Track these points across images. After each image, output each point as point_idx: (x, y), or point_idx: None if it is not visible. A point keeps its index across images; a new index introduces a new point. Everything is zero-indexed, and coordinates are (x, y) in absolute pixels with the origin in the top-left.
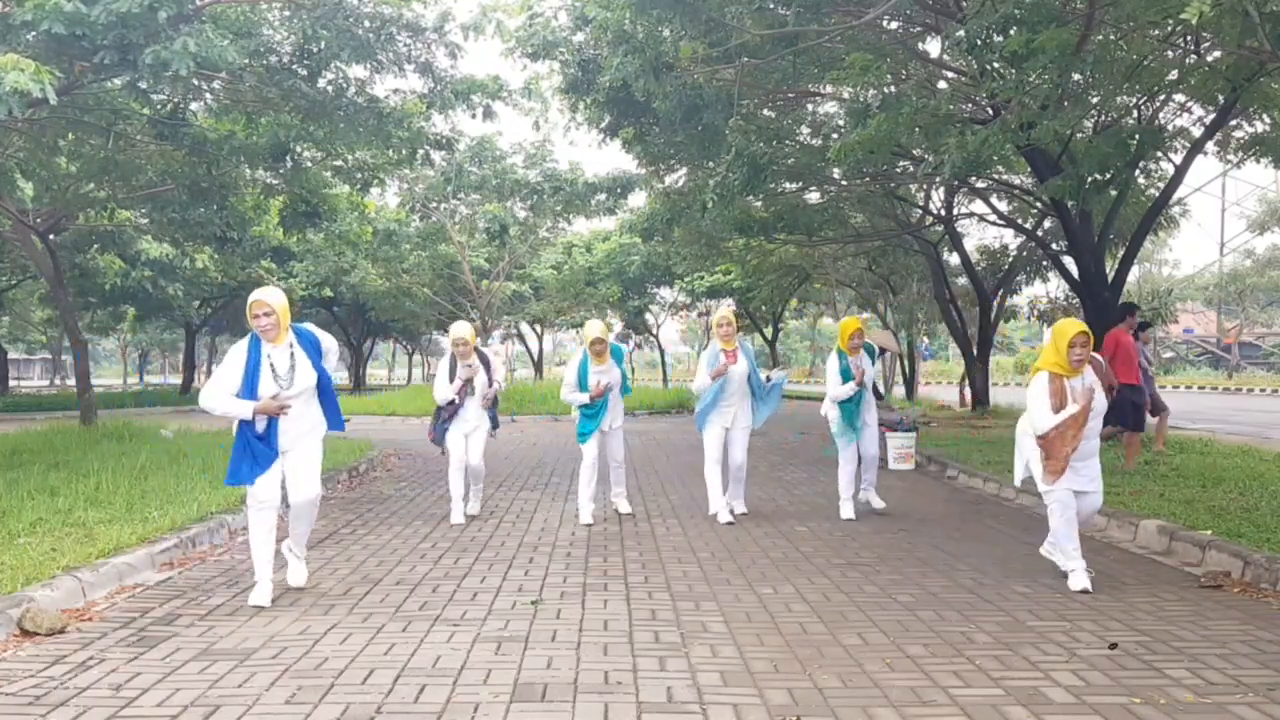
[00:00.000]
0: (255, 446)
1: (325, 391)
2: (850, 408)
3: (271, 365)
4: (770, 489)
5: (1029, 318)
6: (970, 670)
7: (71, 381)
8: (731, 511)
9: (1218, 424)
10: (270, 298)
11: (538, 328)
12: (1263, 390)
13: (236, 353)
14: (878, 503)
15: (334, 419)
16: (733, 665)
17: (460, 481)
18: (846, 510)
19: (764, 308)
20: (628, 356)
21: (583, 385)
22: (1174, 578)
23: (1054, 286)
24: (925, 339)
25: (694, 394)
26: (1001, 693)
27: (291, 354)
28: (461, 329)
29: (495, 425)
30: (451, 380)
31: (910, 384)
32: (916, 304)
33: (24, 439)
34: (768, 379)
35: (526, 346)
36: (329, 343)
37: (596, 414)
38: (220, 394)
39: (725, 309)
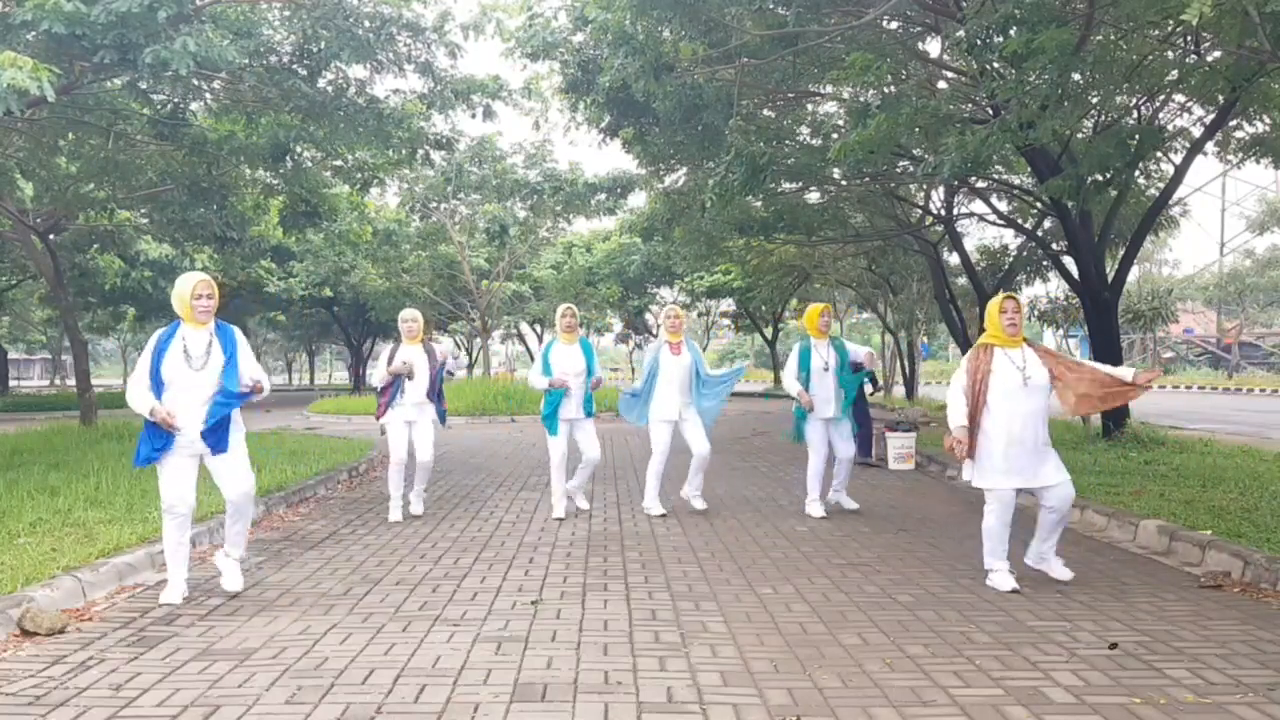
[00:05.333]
0: (154, 432)
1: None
2: (800, 412)
3: (185, 346)
4: (770, 489)
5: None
6: (970, 670)
7: (71, 381)
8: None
9: (1218, 424)
10: (213, 281)
11: (538, 328)
12: (1263, 390)
13: (150, 340)
14: (849, 504)
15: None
16: (733, 665)
17: (398, 478)
18: (813, 509)
19: (764, 308)
20: (627, 356)
21: (546, 370)
22: (1174, 578)
23: (1054, 286)
24: (924, 339)
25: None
26: (1001, 693)
27: (210, 341)
28: (413, 311)
29: (443, 419)
30: (389, 364)
31: (910, 384)
32: (916, 304)
33: (24, 439)
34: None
35: (526, 346)
36: (247, 350)
37: (556, 401)
38: (136, 388)
39: (675, 305)
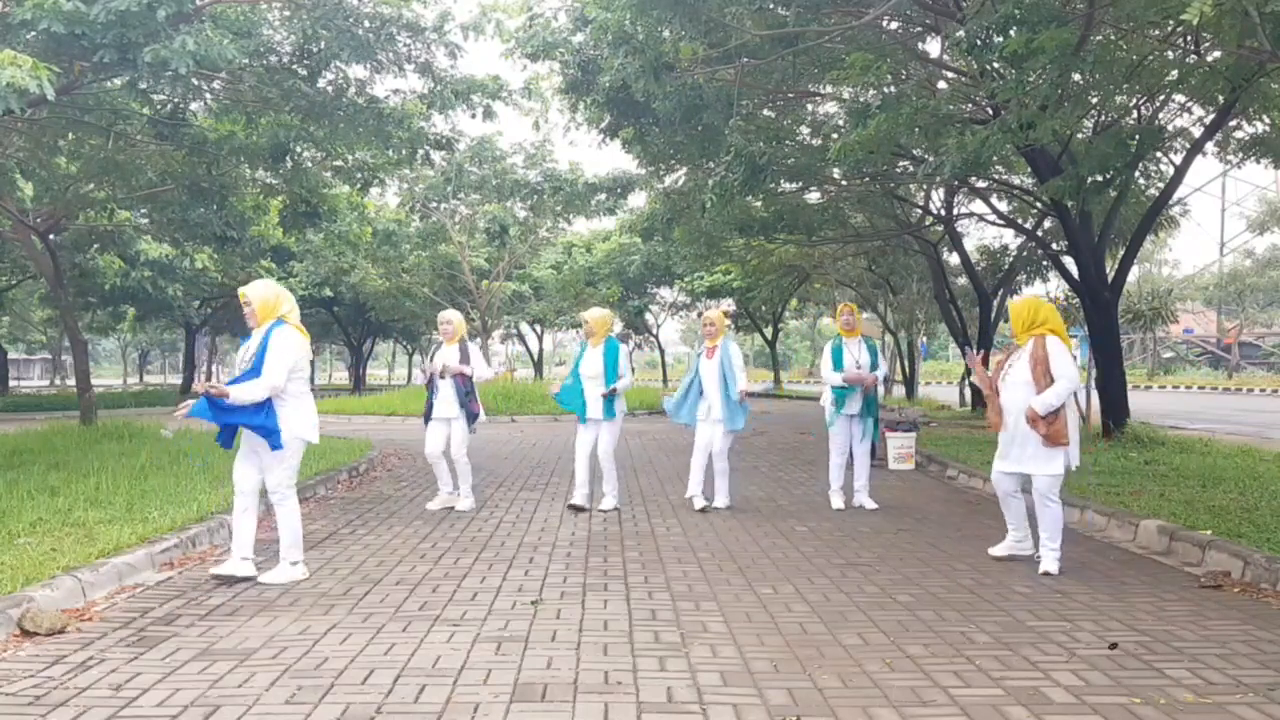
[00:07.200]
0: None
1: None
2: (840, 394)
3: (245, 346)
4: (770, 489)
5: None
6: (970, 670)
7: (71, 381)
8: (708, 500)
9: (1218, 424)
10: (248, 290)
11: (538, 328)
12: (1263, 390)
13: None
14: (869, 504)
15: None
16: (733, 665)
17: (436, 470)
18: (836, 501)
19: (764, 308)
20: (628, 355)
21: (576, 371)
22: (1174, 578)
23: (1054, 286)
24: (924, 339)
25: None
26: (1001, 693)
27: (261, 342)
28: (450, 313)
29: (471, 420)
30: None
31: (910, 384)
32: (916, 304)
33: (24, 439)
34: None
35: (526, 346)
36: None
37: (575, 398)
38: None
39: (714, 310)
